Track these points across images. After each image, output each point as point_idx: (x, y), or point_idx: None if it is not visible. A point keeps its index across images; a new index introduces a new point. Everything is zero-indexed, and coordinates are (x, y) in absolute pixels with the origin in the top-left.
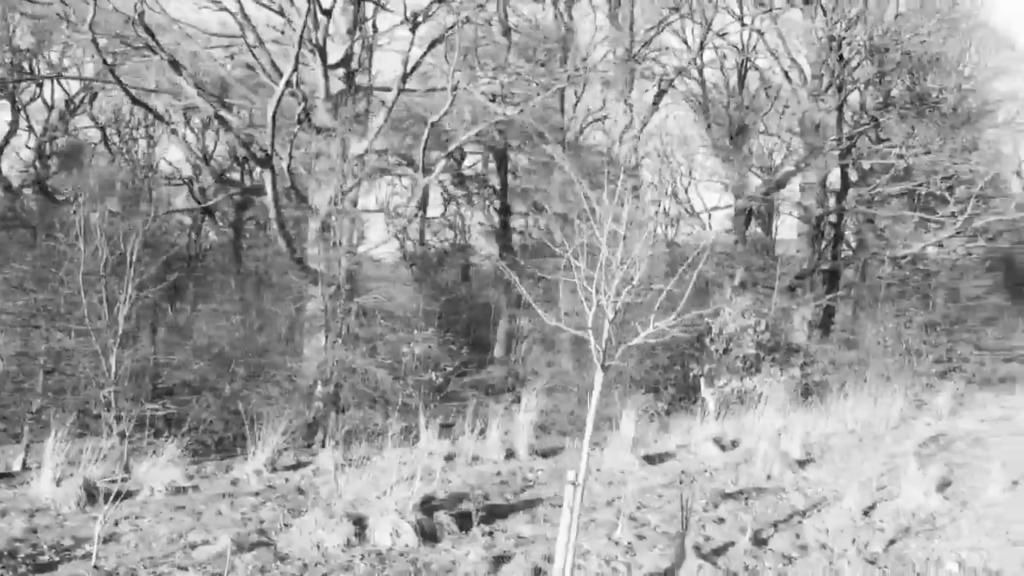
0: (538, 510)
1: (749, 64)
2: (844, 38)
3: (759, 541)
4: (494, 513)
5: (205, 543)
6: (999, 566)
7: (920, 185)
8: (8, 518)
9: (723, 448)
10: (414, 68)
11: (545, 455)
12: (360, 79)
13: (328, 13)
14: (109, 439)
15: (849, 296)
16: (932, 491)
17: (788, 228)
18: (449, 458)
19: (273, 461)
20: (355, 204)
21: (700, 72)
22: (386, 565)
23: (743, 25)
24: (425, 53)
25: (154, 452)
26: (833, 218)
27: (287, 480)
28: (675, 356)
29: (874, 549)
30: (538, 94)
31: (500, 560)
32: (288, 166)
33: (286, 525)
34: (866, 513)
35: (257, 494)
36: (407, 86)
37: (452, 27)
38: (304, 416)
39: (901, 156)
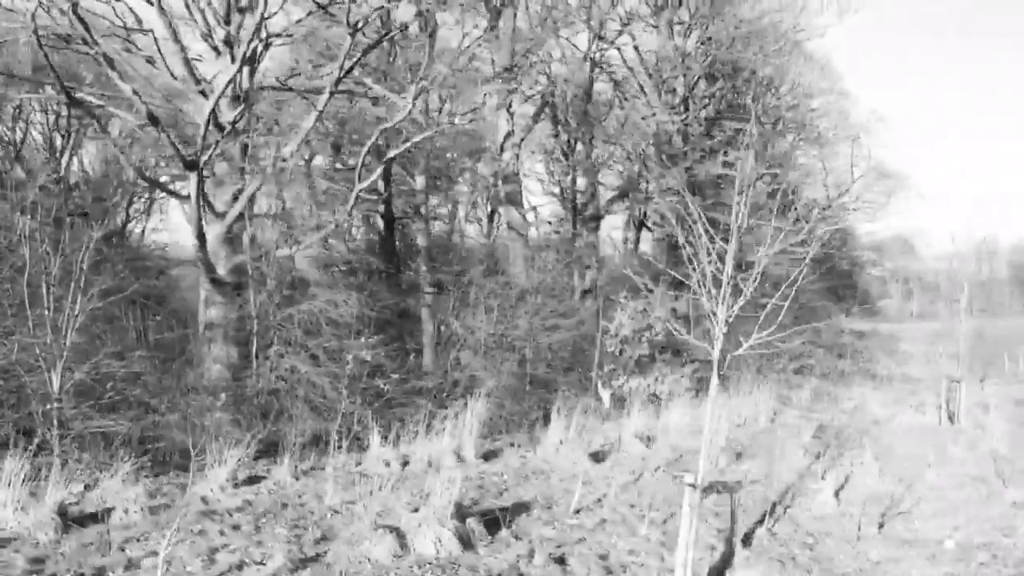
0: (541, 512)
1: (598, 76)
2: (690, 54)
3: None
4: (502, 516)
5: (258, 563)
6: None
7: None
8: None
9: (647, 445)
10: (348, 71)
11: (488, 457)
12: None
13: (243, 11)
14: (52, 458)
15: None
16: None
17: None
18: (387, 463)
19: (235, 476)
20: (283, 207)
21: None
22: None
23: (599, 39)
24: (360, 58)
25: (101, 471)
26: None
27: (257, 495)
28: (574, 358)
29: (866, 530)
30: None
31: (560, 561)
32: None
33: (324, 538)
34: (836, 495)
35: (240, 510)
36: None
37: (389, 34)
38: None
39: (730, 164)
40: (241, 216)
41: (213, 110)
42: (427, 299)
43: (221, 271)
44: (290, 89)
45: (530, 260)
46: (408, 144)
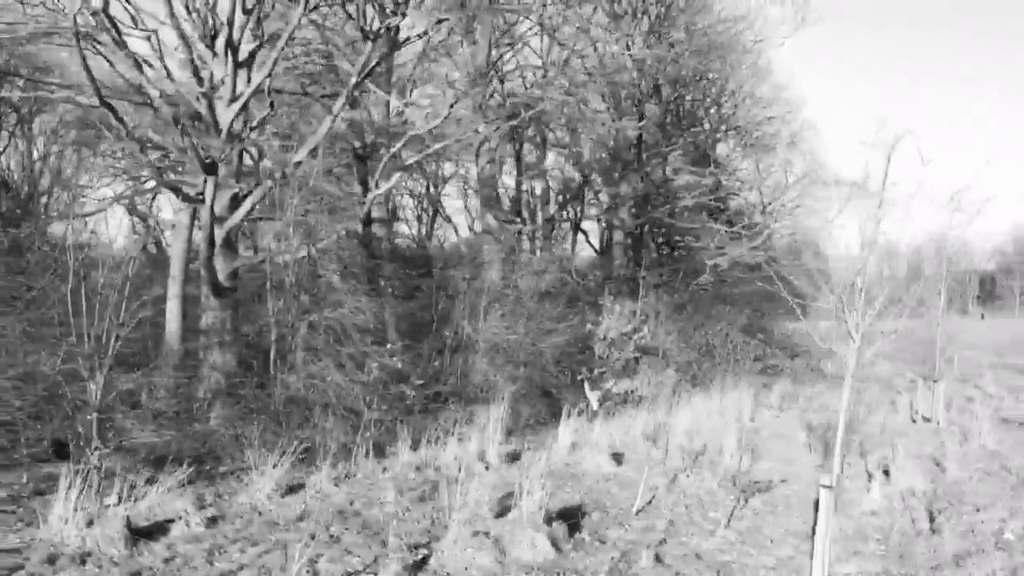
0: (600, 514)
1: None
2: (649, 63)
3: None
4: (565, 517)
5: (365, 571)
6: None
7: (703, 197)
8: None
9: (655, 445)
10: (365, 77)
11: (512, 460)
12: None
13: (248, 12)
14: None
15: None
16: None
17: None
18: (419, 469)
19: (279, 484)
20: (292, 211)
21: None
22: None
23: (560, 45)
24: (377, 64)
25: (148, 483)
26: (636, 229)
27: (306, 503)
28: (563, 362)
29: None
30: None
31: (659, 560)
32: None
33: (418, 545)
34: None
35: (302, 519)
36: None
37: (407, 40)
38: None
39: (676, 170)
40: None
41: (215, 114)
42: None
43: (220, 276)
44: (306, 94)
45: (507, 264)
46: (427, 152)
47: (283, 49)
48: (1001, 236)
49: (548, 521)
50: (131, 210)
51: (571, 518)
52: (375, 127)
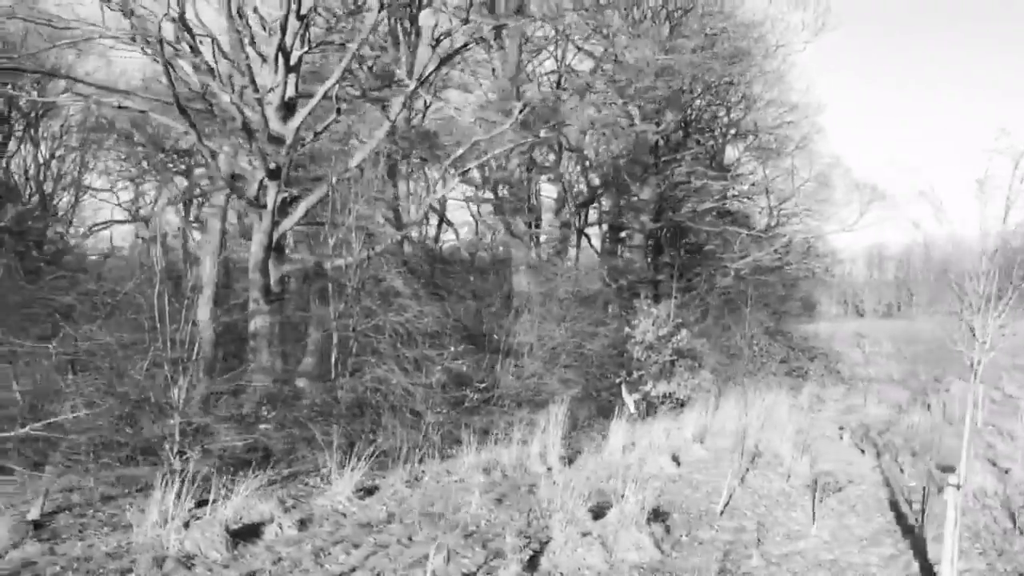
0: (680, 514)
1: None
2: (670, 67)
3: None
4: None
5: (485, 567)
6: None
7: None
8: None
9: (704, 447)
10: (422, 83)
11: (570, 462)
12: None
13: (303, 19)
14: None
15: (697, 304)
16: None
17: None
18: (487, 471)
19: (357, 486)
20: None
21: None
22: None
23: (582, 51)
24: (438, 67)
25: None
26: (657, 232)
27: (384, 503)
28: (604, 365)
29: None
30: None
31: (771, 562)
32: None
33: (526, 545)
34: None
35: (389, 521)
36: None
37: (467, 45)
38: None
39: (690, 173)
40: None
41: (267, 119)
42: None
43: (267, 277)
44: (364, 97)
45: (533, 269)
46: (487, 157)
47: (354, 54)
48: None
49: (648, 522)
50: (135, 217)
51: (659, 520)
52: (417, 132)
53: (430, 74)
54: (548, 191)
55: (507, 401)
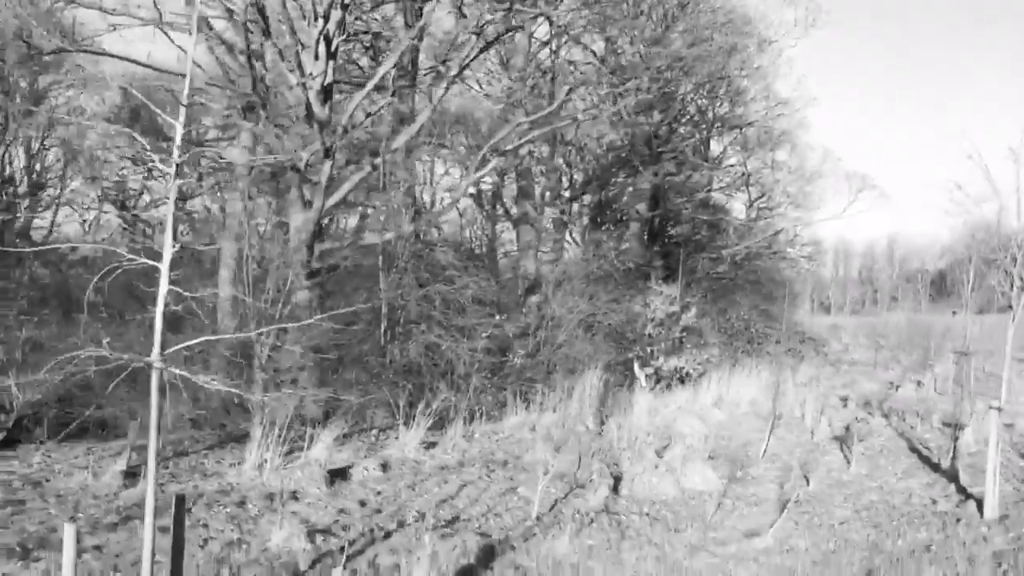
0: (722, 460)
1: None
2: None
3: None
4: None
5: (577, 490)
6: None
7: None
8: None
9: (722, 411)
10: (464, 67)
11: (602, 423)
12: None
13: (346, 7)
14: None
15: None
16: None
17: None
18: (532, 429)
19: (424, 441)
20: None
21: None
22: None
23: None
24: (479, 53)
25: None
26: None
27: (448, 453)
28: (617, 341)
29: None
30: None
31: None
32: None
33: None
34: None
35: (463, 465)
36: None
37: (509, 30)
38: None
39: (680, 164)
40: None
41: (310, 103)
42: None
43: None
44: (412, 85)
45: (536, 251)
46: (525, 140)
47: (413, 41)
48: (954, 235)
49: (708, 459)
50: (121, 206)
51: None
52: (452, 115)
53: (471, 60)
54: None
55: (544, 367)
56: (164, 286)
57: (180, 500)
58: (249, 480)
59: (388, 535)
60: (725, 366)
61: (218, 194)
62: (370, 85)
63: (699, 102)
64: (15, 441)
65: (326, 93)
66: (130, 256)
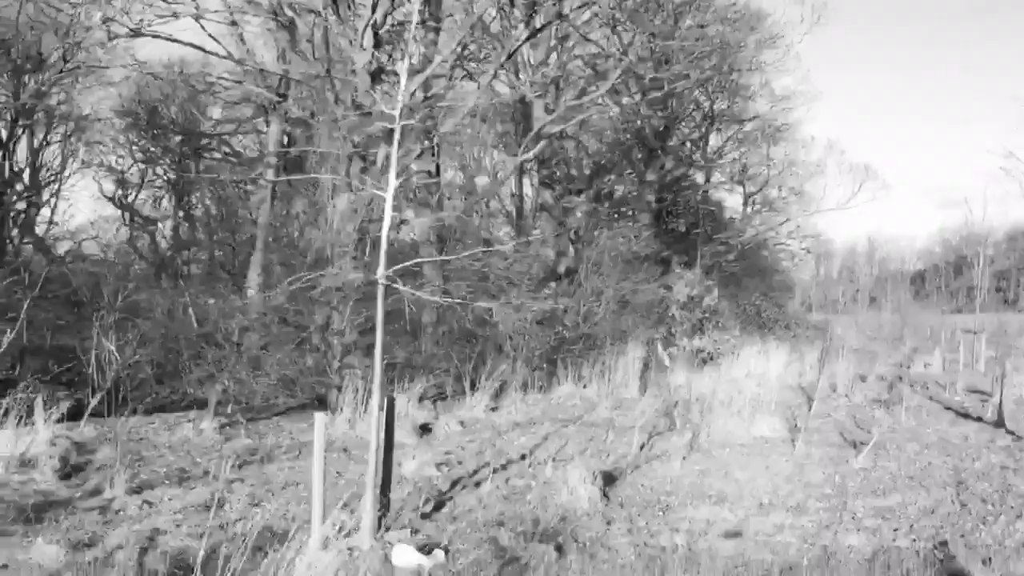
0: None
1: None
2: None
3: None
4: None
5: (665, 443)
6: None
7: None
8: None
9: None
10: (512, 53)
11: (644, 390)
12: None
13: None
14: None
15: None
16: None
17: None
18: (584, 397)
19: (488, 404)
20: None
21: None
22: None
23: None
24: (528, 39)
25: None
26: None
27: (512, 414)
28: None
29: None
30: None
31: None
32: None
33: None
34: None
35: (533, 423)
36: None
37: (564, 15)
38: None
39: (679, 159)
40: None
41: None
42: None
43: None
44: (465, 72)
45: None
46: (573, 121)
47: (471, 31)
48: (928, 238)
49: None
50: (121, 205)
51: None
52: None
53: (520, 45)
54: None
55: (590, 341)
56: (388, 212)
57: (391, 401)
58: (343, 433)
59: (504, 466)
60: (744, 346)
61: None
62: (428, 70)
63: (703, 97)
64: (97, 415)
65: (372, 79)
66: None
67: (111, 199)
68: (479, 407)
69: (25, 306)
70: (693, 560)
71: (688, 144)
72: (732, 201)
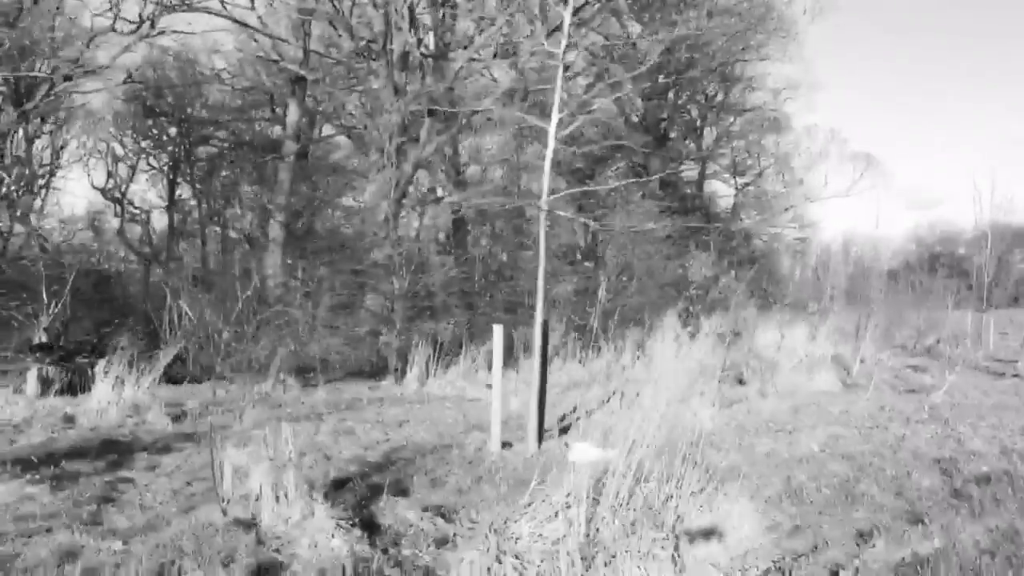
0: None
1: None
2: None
3: None
4: None
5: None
6: None
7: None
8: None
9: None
10: (551, 33)
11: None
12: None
13: None
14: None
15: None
16: None
17: None
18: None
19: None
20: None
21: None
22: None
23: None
24: (576, 12)
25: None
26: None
27: (572, 375)
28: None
29: None
30: None
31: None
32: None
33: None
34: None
35: (595, 380)
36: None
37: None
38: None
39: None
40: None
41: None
42: None
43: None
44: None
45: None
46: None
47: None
48: (903, 238)
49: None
50: (115, 199)
51: None
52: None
53: (557, 28)
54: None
55: (626, 311)
56: (551, 144)
57: (545, 324)
58: (414, 391)
59: (589, 413)
60: (762, 324)
61: None
62: (471, 49)
63: (705, 86)
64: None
65: (403, 60)
66: None
67: (101, 190)
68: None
69: (71, 278)
70: (834, 457)
71: (687, 136)
72: (727, 191)
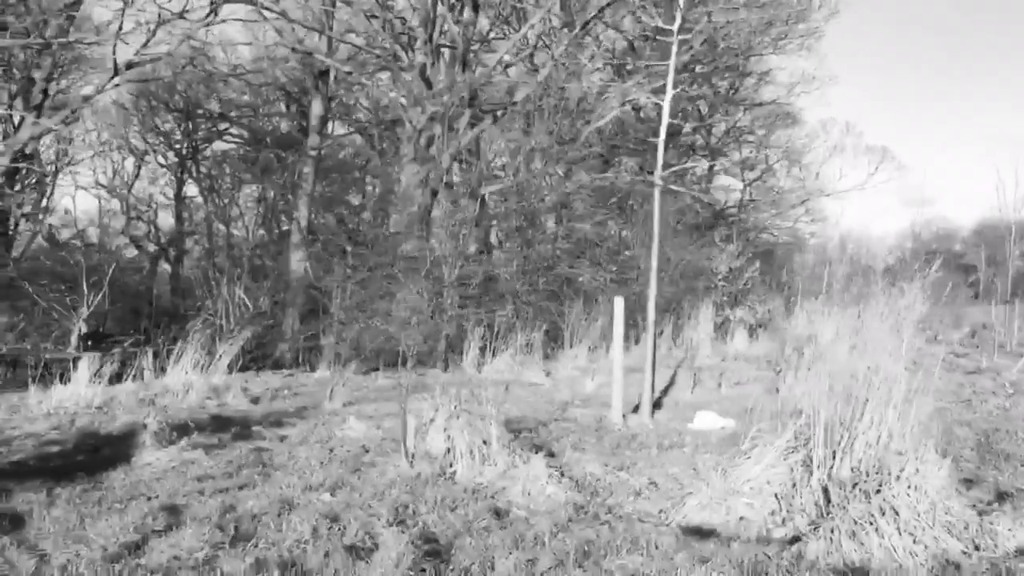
0: None
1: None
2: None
3: None
4: None
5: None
6: None
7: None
8: None
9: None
10: (586, 24)
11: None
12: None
13: None
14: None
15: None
16: None
17: None
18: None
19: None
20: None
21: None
22: None
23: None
24: (598, 14)
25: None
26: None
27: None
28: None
29: None
30: None
31: None
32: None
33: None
34: None
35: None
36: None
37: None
38: None
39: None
40: None
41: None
42: None
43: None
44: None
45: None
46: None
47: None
48: (898, 235)
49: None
50: (121, 197)
51: None
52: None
53: (592, 19)
54: None
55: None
56: (665, 119)
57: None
58: (471, 375)
59: (665, 392)
60: (785, 315)
61: None
62: (512, 41)
63: (717, 80)
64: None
65: (436, 54)
66: None
67: (106, 186)
68: (581, 357)
69: (109, 272)
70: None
71: (696, 130)
72: (736, 185)
